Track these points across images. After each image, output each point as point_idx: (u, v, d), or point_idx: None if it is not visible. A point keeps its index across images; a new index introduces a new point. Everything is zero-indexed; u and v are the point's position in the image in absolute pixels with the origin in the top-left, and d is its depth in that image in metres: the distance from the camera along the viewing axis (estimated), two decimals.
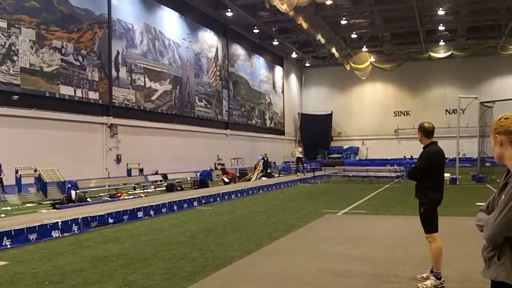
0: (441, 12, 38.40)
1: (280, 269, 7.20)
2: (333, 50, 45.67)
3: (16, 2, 22.19)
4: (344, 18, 41.31)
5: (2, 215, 13.54)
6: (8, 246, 9.14)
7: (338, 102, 59.78)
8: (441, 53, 49.84)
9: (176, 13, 34.84)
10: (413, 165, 6.77)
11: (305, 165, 34.18)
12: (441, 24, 42.66)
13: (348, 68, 50.88)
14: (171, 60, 34.10)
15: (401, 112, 58.18)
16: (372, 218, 12.93)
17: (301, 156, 33.55)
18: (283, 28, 44.74)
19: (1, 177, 19.68)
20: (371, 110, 58.74)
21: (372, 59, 50.96)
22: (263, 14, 39.68)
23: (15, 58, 21.98)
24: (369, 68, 51.10)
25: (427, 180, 6.19)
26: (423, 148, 6.31)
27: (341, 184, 27.05)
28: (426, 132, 6.24)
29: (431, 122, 6.34)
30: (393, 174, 28.02)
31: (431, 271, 6.27)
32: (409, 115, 57.02)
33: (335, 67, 56.29)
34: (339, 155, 55.14)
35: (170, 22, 34.20)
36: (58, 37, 24.30)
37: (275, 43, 49.44)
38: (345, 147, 58.49)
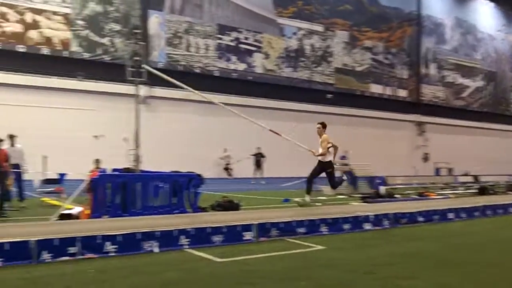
0: None
1: None
2: None
3: (330, 7, 24.09)
4: None
5: (318, 204, 14.84)
6: (324, 232, 9.89)
7: None
8: None
9: (491, 3, 32.17)
10: None
11: None
12: None
13: None
14: (484, 54, 31.76)
15: None
16: None
17: None
18: None
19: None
20: None
21: None
22: None
23: (330, 59, 23.88)
24: None
25: None
26: None
27: None
28: None
29: None
30: None
31: None
32: None
33: None
34: None
35: (483, 13, 31.83)
36: (369, 37, 25.33)
37: None
38: None
